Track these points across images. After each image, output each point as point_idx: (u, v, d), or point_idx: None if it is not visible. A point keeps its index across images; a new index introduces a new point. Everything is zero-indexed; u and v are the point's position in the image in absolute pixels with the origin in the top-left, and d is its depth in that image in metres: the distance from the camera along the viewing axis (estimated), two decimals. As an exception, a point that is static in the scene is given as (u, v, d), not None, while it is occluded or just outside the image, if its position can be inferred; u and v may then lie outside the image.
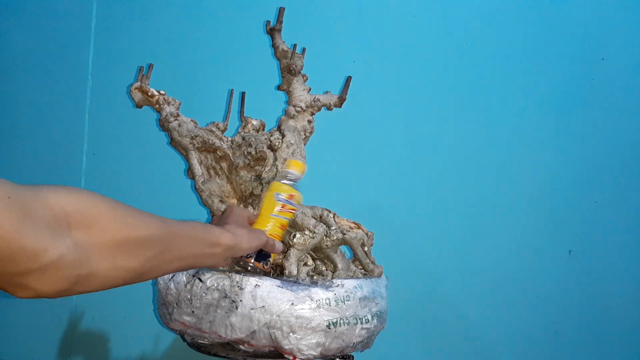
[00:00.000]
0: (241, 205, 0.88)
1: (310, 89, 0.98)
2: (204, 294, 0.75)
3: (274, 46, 0.98)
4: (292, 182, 0.81)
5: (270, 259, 0.80)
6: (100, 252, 0.41)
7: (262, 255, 0.79)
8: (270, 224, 0.79)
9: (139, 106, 0.94)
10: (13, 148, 1.25)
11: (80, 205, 0.40)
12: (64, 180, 1.23)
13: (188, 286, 0.77)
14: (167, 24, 1.23)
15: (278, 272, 0.83)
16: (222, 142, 0.90)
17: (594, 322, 1.20)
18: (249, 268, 0.79)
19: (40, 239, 0.36)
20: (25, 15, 1.27)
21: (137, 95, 0.92)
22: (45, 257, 0.36)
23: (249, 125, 0.96)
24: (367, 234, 0.90)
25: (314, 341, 0.73)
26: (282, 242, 0.84)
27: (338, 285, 0.78)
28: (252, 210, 0.88)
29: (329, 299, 0.75)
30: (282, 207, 0.79)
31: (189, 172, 0.91)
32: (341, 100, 0.98)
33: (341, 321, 0.75)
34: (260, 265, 0.79)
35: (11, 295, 0.38)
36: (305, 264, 0.87)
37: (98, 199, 0.42)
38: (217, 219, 0.75)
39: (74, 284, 0.39)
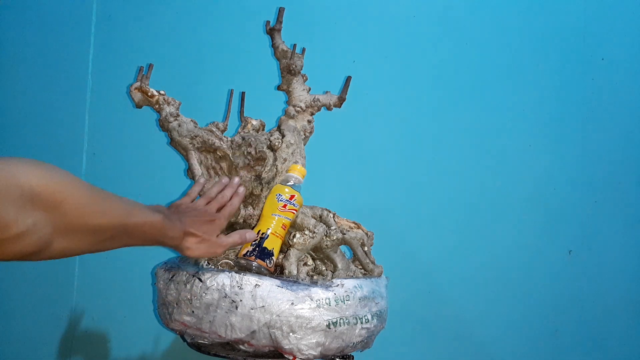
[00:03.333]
0: (241, 205, 0.88)
1: (310, 89, 0.98)
2: (204, 294, 0.75)
3: (273, 46, 0.98)
4: (293, 185, 0.85)
5: (274, 257, 0.81)
6: (57, 232, 0.45)
7: (265, 253, 0.79)
8: (273, 224, 0.81)
9: (138, 106, 0.94)
10: (13, 148, 1.25)
11: (48, 187, 0.44)
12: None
13: (188, 286, 0.77)
14: (167, 24, 1.23)
15: (278, 272, 0.83)
16: (222, 142, 0.90)
17: (594, 322, 1.20)
18: (253, 267, 0.79)
19: (6, 215, 0.40)
20: (25, 15, 1.27)
21: (137, 96, 0.92)
22: (9, 231, 0.41)
23: (249, 125, 0.96)
24: (367, 234, 0.90)
25: (314, 341, 0.73)
26: (284, 242, 0.84)
27: (338, 285, 0.78)
28: (252, 210, 0.88)
29: (328, 298, 0.75)
30: (283, 207, 0.82)
31: (189, 172, 0.91)
32: (341, 100, 0.98)
33: (341, 321, 0.75)
34: (264, 263, 0.79)
35: None
36: (305, 264, 0.87)
37: (66, 182, 0.46)
38: (176, 210, 0.74)
39: (32, 254, 0.44)
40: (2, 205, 0.40)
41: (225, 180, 0.84)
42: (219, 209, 0.79)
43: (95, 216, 0.49)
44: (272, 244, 0.81)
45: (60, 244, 0.46)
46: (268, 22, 1.00)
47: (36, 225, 0.43)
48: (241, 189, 0.83)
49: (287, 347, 0.73)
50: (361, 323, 0.77)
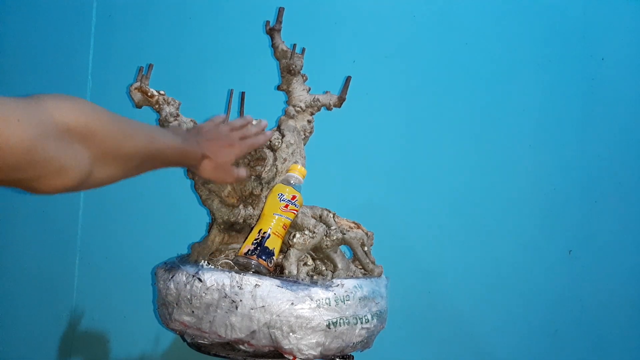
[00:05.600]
0: (241, 205, 0.88)
1: (309, 89, 0.98)
2: (204, 294, 0.75)
3: (273, 46, 0.98)
4: (294, 185, 0.85)
5: (274, 257, 0.81)
6: (95, 162, 0.48)
7: (266, 252, 0.80)
8: (273, 223, 0.81)
9: (138, 106, 0.94)
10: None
11: (80, 120, 0.47)
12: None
13: (188, 286, 0.77)
14: (167, 24, 1.23)
15: (278, 272, 0.83)
16: (222, 142, 0.90)
17: (594, 322, 1.20)
18: (252, 266, 0.79)
19: (46, 151, 0.43)
20: (25, 15, 1.27)
21: (137, 96, 0.92)
22: (52, 166, 0.44)
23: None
24: (367, 234, 0.90)
25: (314, 341, 0.73)
26: (284, 242, 0.84)
27: (338, 285, 0.78)
28: (252, 210, 0.88)
29: (328, 298, 0.75)
30: (285, 207, 0.82)
31: (189, 172, 0.91)
32: (341, 100, 0.98)
33: (341, 321, 0.75)
34: (265, 263, 0.79)
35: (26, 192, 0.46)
36: (305, 264, 0.87)
37: (96, 113, 0.49)
38: (196, 132, 0.76)
39: (75, 186, 0.48)
40: (41, 142, 0.42)
41: (249, 117, 0.85)
42: (241, 139, 0.80)
43: (126, 144, 0.52)
44: (273, 243, 0.81)
45: (99, 173, 0.50)
46: (268, 22, 1.00)
47: (76, 157, 0.46)
48: (269, 132, 0.85)
49: (287, 347, 0.73)
50: (361, 323, 0.77)
